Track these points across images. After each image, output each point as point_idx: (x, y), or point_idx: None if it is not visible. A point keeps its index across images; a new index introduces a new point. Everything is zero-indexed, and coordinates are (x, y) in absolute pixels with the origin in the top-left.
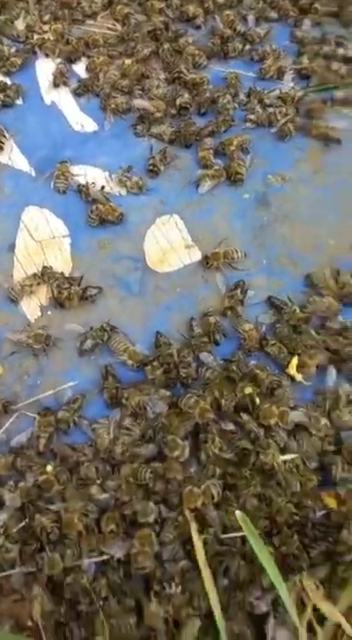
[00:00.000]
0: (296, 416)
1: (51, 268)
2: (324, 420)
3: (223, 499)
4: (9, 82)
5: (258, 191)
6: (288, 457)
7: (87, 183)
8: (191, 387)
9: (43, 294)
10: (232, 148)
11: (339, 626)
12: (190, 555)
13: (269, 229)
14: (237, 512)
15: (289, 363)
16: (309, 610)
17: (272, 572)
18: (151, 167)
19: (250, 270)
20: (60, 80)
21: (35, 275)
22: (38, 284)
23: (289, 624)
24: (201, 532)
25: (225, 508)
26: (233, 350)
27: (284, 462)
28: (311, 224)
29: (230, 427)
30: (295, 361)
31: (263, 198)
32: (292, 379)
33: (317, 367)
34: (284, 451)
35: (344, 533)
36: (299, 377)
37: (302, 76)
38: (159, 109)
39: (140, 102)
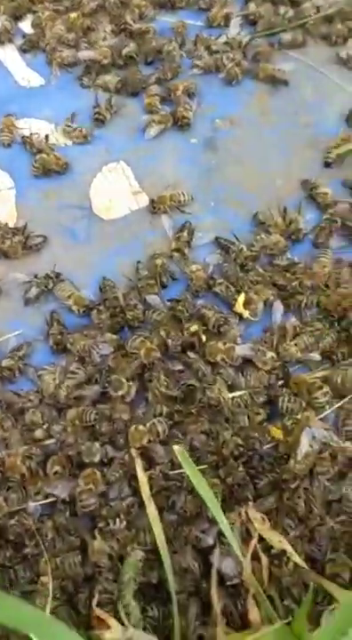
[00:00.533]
0: (241, 350)
1: None
2: (269, 354)
3: (170, 436)
4: None
5: (205, 135)
6: (236, 394)
7: (31, 134)
8: (138, 330)
9: None
10: (178, 92)
11: (284, 553)
12: (137, 492)
13: (217, 172)
14: (175, 446)
15: (236, 301)
16: (254, 540)
17: (212, 503)
18: (97, 116)
19: (197, 213)
20: (5, 37)
21: None
22: None
23: (235, 555)
24: (148, 469)
25: (172, 444)
26: (181, 292)
27: (232, 398)
28: (258, 165)
29: (178, 366)
30: (242, 298)
31: (210, 142)
32: (240, 316)
33: (265, 304)
34: (232, 388)
35: (290, 463)
36: (246, 314)
37: (250, 21)
38: (106, 56)
39: (85, 53)
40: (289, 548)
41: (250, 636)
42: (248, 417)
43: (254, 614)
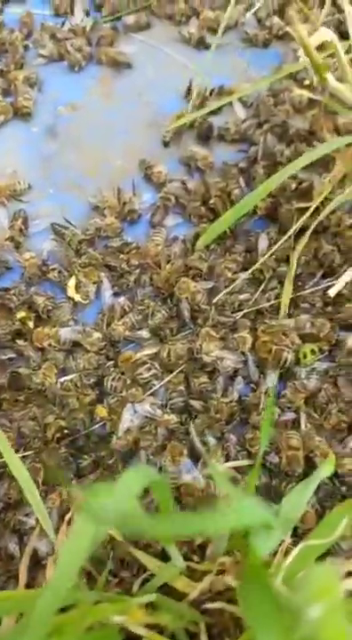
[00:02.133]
0: (68, 333)
1: None
2: (96, 334)
3: None
4: None
5: (47, 123)
6: (67, 377)
7: None
8: None
9: None
10: (17, 82)
11: None
12: None
13: (56, 158)
14: None
15: (67, 285)
16: (70, 515)
17: (27, 486)
18: None
19: (36, 200)
20: None
21: None
22: None
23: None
24: None
25: None
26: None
27: (63, 382)
28: (98, 148)
29: (9, 355)
30: (73, 282)
31: (52, 129)
32: (73, 300)
33: (97, 285)
34: (64, 372)
35: (112, 439)
36: (77, 297)
37: (96, 7)
38: None
39: None
40: None
41: None
42: (77, 399)
43: None
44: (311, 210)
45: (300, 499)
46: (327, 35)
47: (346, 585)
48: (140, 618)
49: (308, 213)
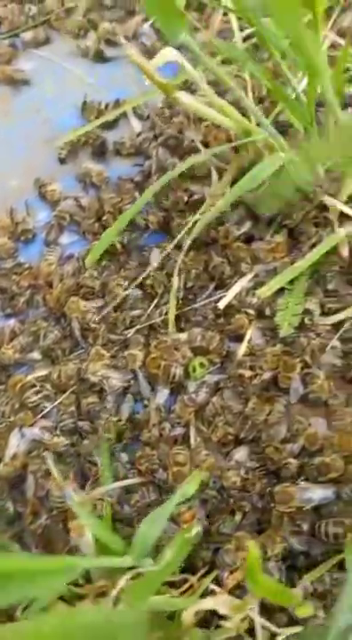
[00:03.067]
0: None
1: None
2: None
3: None
4: None
5: None
6: None
7: None
8: None
9: None
10: None
11: None
12: None
13: None
14: None
15: None
16: None
17: None
18: None
19: None
20: None
21: None
22: None
23: None
24: None
25: None
26: None
27: None
28: None
29: None
30: None
31: None
32: None
33: None
34: None
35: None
36: None
37: None
38: None
39: None
40: None
41: None
42: None
43: None
44: (206, 222)
45: (155, 524)
46: (171, 54)
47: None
48: None
49: (201, 226)
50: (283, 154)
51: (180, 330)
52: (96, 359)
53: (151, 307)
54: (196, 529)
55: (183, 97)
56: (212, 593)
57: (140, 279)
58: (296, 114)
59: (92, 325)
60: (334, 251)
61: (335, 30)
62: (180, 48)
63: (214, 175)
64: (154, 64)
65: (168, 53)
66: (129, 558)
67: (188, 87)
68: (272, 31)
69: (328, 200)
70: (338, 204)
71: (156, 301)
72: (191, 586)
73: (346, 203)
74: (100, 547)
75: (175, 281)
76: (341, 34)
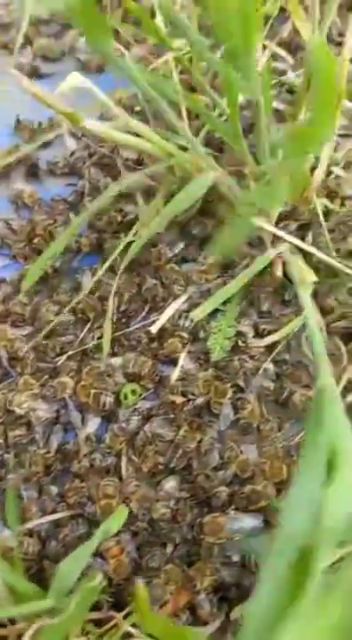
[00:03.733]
0: None
1: None
2: None
3: None
4: None
5: None
6: None
7: None
8: None
9: None
10: None
11: None
12: None
13: None
14: None
15: None
16: None
17: None
18: None
19: None
20: None
21: None
22: None
23: None
24: None
25: None
26: None
27: None
28: None
29: None
30: None
31: None
32: None
33: None
34: None
35: None
36: None
37: None
38: None
39: None
40: None
41: None
42: None
43: None
44: (139, 245)
45: (77, 562)
46: (77, 80)
47: None
48: None
49: (134, 248)
50: (212, 173)
51: (114, 354)
52: (23, 389)
53: (83, 332)
54: (99, 578)
55: (94, 126)
56: (130, 636)
57: (73, 304)
58: (221, 131)
59: (21, 354)
60: (268, 271)
61: (276, 41)
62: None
63: (143, 197)
64: (61, 91)
65: (74, 79)
66: (48, 601)
67: (130, 107)
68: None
69: (259, 220)
70: (265, 225)
71: (88, 326)
72: (116, 624)
73: (277, 222)
74: (16, 592)
75: (109, 305)
76: (281, 44)
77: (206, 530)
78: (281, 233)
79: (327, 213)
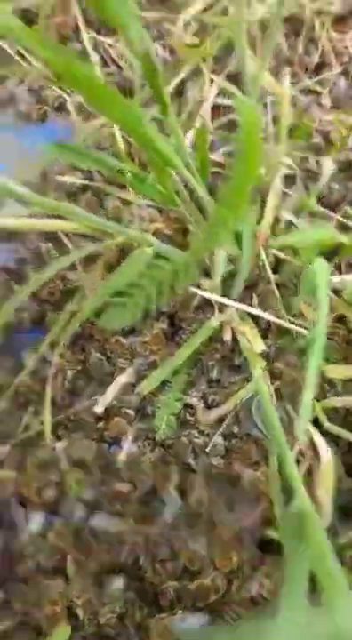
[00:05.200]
0: None
1: None
2: None
3: None
4: None
5: None
6: None
7: None
8: None
9: None
10: None
11: None
12: None
13: None
14: None
15: None
16: None
17: None
18: None
19: None
20: None
21: None
22: None
23: None
24: None
25: None
26: None
27: None
28: None
29: None
30: None
31: None
32: None
33: None
34: None
35: None
36: None
37: None
38: None
39: None
40: None
41: None
42: None
43: None
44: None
45: None
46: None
47: None
48: None
49: (76, 322)
50: (148, 249)
51: (58, 438)
52: None
53: (25, 418)
54: None
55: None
56: None
57: (12, 388)
58: (156, 198)
59: None
60: (218, 334)
61: (224, 75)
62: None
63: (83, 263)
64: None
65: None
66: None
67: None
68: None
69: (203, 284)
70: (205, 294)
71: (31, 410)
72: None
73: (225, 279)
74: None
75: (48, 387)
76: (230, 78)
77: (154, 633)
78: (223, 300)
79: (278, 264)
